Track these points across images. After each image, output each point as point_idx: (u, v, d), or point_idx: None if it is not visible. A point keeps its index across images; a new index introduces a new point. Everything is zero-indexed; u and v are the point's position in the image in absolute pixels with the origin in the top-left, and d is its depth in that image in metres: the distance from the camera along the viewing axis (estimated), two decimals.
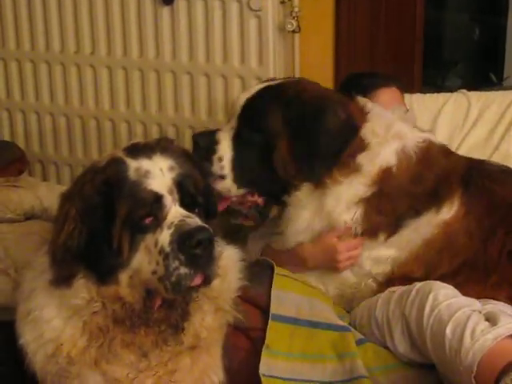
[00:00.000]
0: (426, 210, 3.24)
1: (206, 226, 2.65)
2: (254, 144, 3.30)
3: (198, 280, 2.64)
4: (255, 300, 3.13)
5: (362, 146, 3.28)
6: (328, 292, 3.37)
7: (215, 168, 3.31)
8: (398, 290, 3.08)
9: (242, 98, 3.41)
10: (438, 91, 4.76)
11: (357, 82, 3.78)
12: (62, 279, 2.71)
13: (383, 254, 3.28)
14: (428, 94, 4.47)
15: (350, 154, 3.26)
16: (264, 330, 3.06)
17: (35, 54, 4.98)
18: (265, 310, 3.12)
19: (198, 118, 4.75)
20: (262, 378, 2.93)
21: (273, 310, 3.10)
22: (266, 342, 3.02)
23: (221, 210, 3.35)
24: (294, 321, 3.12)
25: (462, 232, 3.24)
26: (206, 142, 3.34)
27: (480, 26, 6.86)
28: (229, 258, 2.99)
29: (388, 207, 3.24)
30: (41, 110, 5.07)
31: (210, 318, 2.89)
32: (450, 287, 2.94)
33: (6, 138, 5.14)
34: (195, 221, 2.65)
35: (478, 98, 4.34)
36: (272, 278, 3.19)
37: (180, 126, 4.80)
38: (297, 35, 4.65)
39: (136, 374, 2.77)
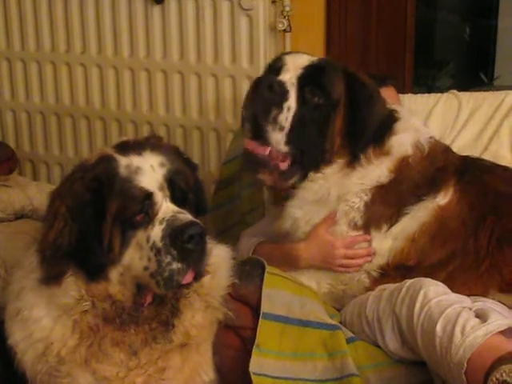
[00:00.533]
0: (425, 195, 3.27)
1: (198, 221, 2.65)
2: (314, 106, 3.23)
3: (189, 277, 2.64)
4: (246, 298, 3.13)
5: (393, 132, 3.31)
6: (320, 289, 3.36)
7: (282, 117, 3.17)
8: (389, 287, 3.09)
9: (301, 60, 3.30)
10: (429, 91, 4.76)
11: None
12: (51, 277, 2.70)
13: (383, 246, 3.28)
14: (419, 95, 4.47)
15: (386, 136, 3.29)
16: (254, 329, 3.06)
17: (25, 53, 4.99)
18: (255, 309, 3.11)
19: (189, 118, 4.76)
20: (253, 376, 2.93)
21: (264, 308, 3.09)
22: (256, 340, 3.02)
23: (262, 155, 3.22)
24: (285, 319, 3.12)
25: (454, 217, 3.27)
26: (280, 87, 3.19)
27: (471, 26, 6.88)
28: (219, 256, 2.99)
29: (394, 198, 3.27)
30: (31, 109, 5.08)
31: (199, 316, 2.88)
32: (441, 284, 2.95)
33: None
34: (186, 216, 2.66)
35: (468, 98, 4.33)
36: (263, 276, 3.17)
37: (171, 125, 4.81)
38: (288, 34, 4.65)
39: (126, 373, 2.77)
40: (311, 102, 3.23)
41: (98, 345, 2.73)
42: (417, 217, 3.25)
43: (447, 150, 3.47)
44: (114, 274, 2.67)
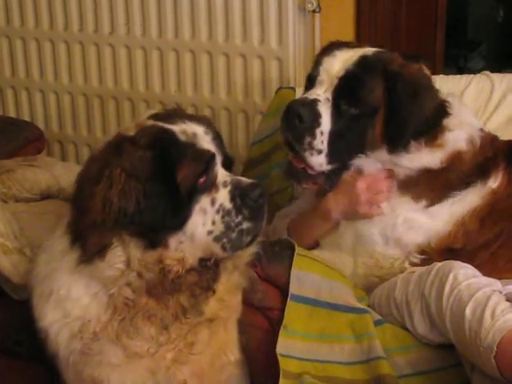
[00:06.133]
0: (474, 182, 3.24)
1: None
2: (350, 118, 3.19)
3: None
4: (274, 279, 3.10)
5: (447, 127, 3.27)
6: (355, 268, 3.34)
7: (317, 142, 3.16)
8: (418, 270, 3.05)
9: (336, 66, 3.24)
10: (460, 72, 4.69)
11: None
12: (93, 253, 2.62)
13: (418, 219, 3.23)
14: (450, 76, 4.40)
15: (440, 131, 3.25)
16: (282, 310, 3.03)
17: (54, 33, 5.00)
18: (284, 290, 3.09)
19: (217, 98, 4.75)
20: (279, 358, 2.91)
21: (292, 289, 3.06)
22: (283, 322, 3.00)
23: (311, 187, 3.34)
24: (313, 302, 3.09)
25: (504, 198, 3.23)
26: (310, 115, 3.16)
27: (504, 6, 6.79)
28: None
29: (440, 183, 3.23)
30: (60, 90, 5.09)
31: (232, 277, 2.86)
32: (470, 267, 2.90)
33: (26, 117, 5.17)
34: (245, 179, 2.70)
35: (501, 79, 4.26)
36: (292, 257, 3.15)
37: (199, 105, 4.79)
38: (317, 15, 4.60)
39: (156, 349, 2.73)
40: (347, 114, 3.18)
41: (129, 319, 2.69)
42: (466, 201, 3.22)
43: (494, 138, 3.42)
44: (174, 241, 2.63)
